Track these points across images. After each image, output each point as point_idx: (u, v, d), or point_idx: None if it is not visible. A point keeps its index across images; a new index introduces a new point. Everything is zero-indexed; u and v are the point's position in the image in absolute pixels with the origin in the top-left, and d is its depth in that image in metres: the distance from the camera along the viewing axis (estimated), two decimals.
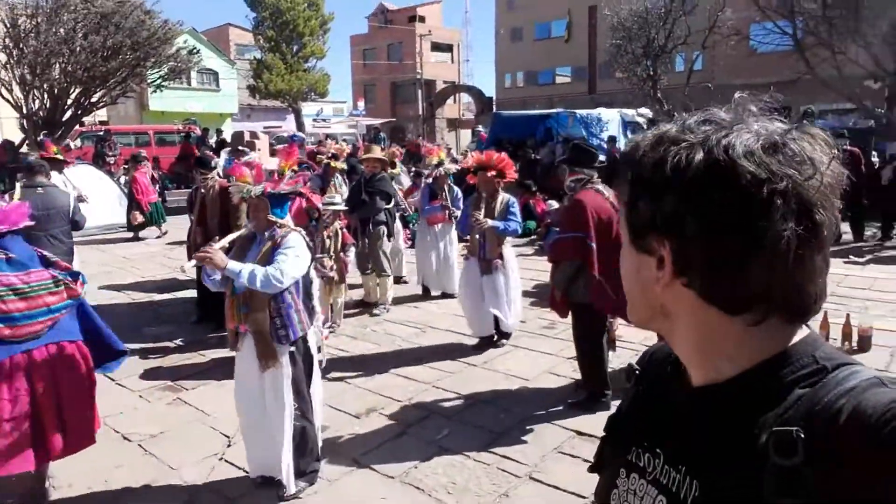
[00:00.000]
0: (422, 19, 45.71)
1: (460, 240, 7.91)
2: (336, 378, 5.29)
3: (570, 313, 4.61)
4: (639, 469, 0.86)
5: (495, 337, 5.89)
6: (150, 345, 6.28)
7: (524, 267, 9.32)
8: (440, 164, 7.55)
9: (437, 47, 46.82)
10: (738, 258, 0.70)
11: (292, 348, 3.47)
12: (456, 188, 7.66)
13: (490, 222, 5.51)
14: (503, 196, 5.73)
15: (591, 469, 1.00)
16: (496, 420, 4.42)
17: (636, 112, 19.24)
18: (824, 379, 0.71)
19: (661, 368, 0.91)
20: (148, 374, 5.51)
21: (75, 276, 3.45)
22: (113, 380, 5.37)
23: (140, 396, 5.06)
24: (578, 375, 4.85)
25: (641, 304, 0.82)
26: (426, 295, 7.76)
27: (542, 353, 5.70)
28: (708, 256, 0.71)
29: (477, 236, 5.68)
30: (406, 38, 44.64)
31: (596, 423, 4.29)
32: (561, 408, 4.59)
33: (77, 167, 13.16)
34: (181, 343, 6.31)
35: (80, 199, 7.93)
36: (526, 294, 7.77)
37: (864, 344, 5.44)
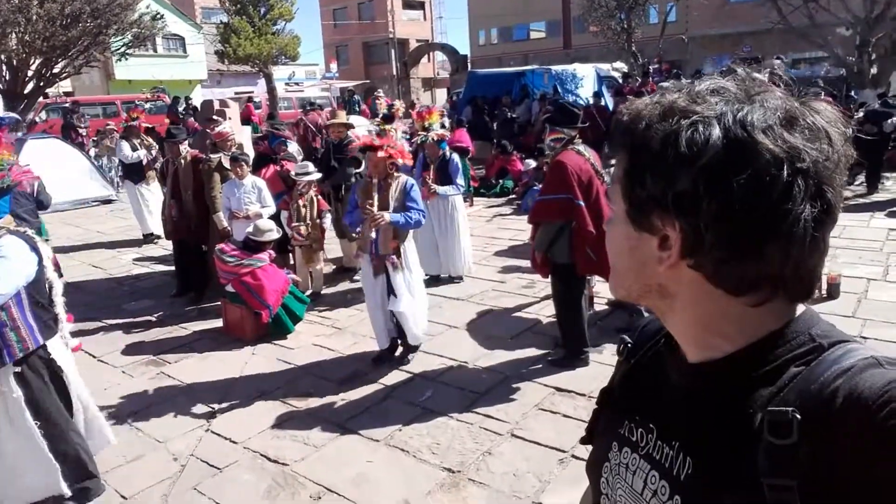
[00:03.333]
0: None
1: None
2: (318, 345, 5.34)
3: (550, 273, 4.66)
4: (631, 443, 0.85)
5: (398, 350, 4.96)
6: (131, 319, 6.25)
7: (503, 227, 9.40)
8: (427, 128, 6.74)
9: (408, 5, 45.84)
10: (754, 241, 0.67)
11: (18, 368, 2.97)
12: (456, 157, 6.74)
13: (388, 216, 4.43)
14: (400, 179, 4.66)
15: (584, 441, 0.99)
16: (478, 380, 4.51)
17: (611, 66, 19.14)
18: (820, 357, 0.70)
19: (654, 342, 0.90)
20: (130, 350, 5.51)
21: None
22: (95, 356, 5.37)
23: (123, 372, 5.06)
24: (557, 333, 4.93)
25: (634, 281, 0.79)
26: (435, 282, 6.64)
27: (522, 312, 5.78)
28: (723, 240, 0.68)
29: (373, 232, 4.56)
30: None
31: (575, 379, 4.40)
32: (541, 366, 4.68)
33: (43, 140, 12.85)
34: (161, 317, 6.29)
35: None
36: (503, 254, 7.86)
37: (833, 291, 5.58)
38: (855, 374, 0.66)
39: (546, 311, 5.65)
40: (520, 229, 8.96)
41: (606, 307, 5.66)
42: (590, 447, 0.98)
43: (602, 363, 4.62)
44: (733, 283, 0.71)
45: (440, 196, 6.54)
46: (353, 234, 5.51)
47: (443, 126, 7.72)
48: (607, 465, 0.89)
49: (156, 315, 6.37)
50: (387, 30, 42.08)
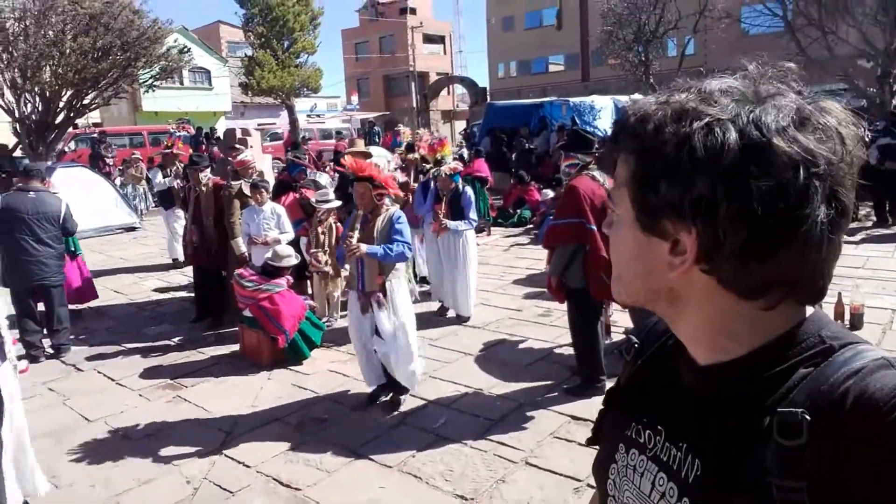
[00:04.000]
0: (413, 11, 45.50)
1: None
2: (333, 371, 5.34)
3: (566, 299, 4.65)
4: (639, 445, 0.84)
5: (384, 395, 4.68)
6: (150, 344, 6.32)
7: (520, 256, 9.39)
8: (439, 162, 6.66)
9: (429, 39, 46.66)
10: (772, 245, 0.67)
11: None
12: (469, 191, 6.56)
13: (365, 248, 4.27)
14: (388, 212, 4.48)
15: (589, 441, 0.98)
16: (492, 407, 4.47)
17: (629, 98, 19.22)
18: (830, 358, 0.69)
19: (662, 342, 0.89)
20: (148, 374, 5.55)
21: None
22: (113, 379, 5.43)
23: (140, 395, 5.10)
24: (573, 362, 4.89)
25: (641, 287, 0.78)
26: (441, 314, 6.66)
27: (537, 341, 5.74)
28: (741, 243, 0.66)
29: (356, 264, 4.47)
30: (397, 30, 44.47)
31: (591, 408, 4.34)
32: (556, 394, 4.63)
33: (72, 169, 13.20)
34: (179, 342, 6.34)
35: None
36: (520, 282, 7.84)
37: (856, 322, 5.48)
38: (866, 376, 0.66)
39: (562, 340, 5.61)
40: (537, 258, 8.94)
41: (624, 336, 5.60)
42: (596, 448, 0.97)
43: None
44: (748, 287, 0.70)
45: (451, 231, 6.37)
46: (342, 270, 5.36)
47: (460, 157, 7.79)
48: (614, 467, 0.88)
49: (174, 340, 6.43)
50: (407, 63, 42.84)
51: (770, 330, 0.73)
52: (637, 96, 20.39)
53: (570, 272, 4.46)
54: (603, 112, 17.17)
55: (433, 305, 6.89)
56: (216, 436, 4.33)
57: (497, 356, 5.45)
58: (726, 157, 0.65)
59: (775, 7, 17.24)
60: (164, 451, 4.13)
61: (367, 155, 7.57)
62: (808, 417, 0.65)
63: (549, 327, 6.08)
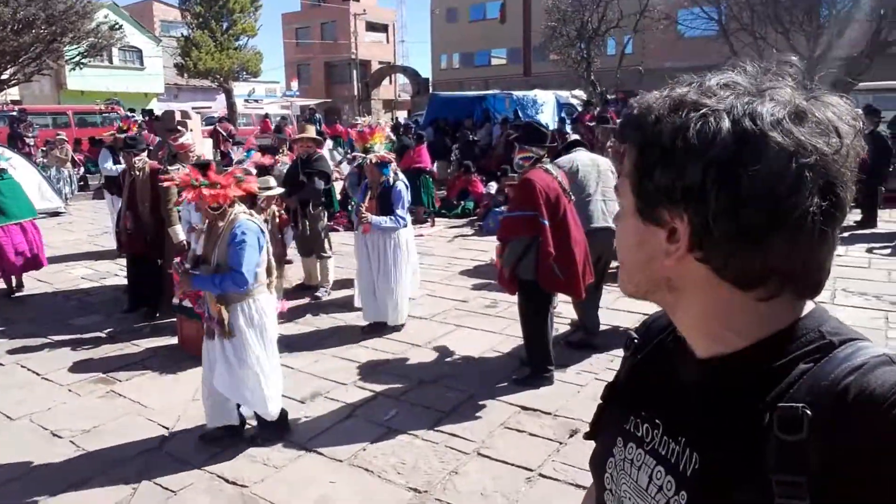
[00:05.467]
0: None
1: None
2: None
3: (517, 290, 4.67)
4: (636, 439, 0.84)
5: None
6: (79, 336, 5.99)
7: (464, 247, 9.40)
8: (368, 150, 5.88)
9: (372, 27, 46.11)
10: (762, 233, 0.67)
11: None
12: (400, 186, 5.75)
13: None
14: (232, 215, 3.70)
15: (588, 436, 0.98)
16: (443, 399, 4.45)
17: (570, 94, 19.57)
18: (830, 354, 0.70)
19: (661, 338, 0.90)
20: (77, 367, 5.26)
21: None
22: (38, 374, 5.12)
23: (69, 391, 4.82)
24: (522, 353, 4.93)
25: (642, 276, 0.79)
26: (377, 329, 5.80)
27: (485, 332, 5.76)
28: (730, 231, 0.68)
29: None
30: (340, 17, 43.74)
31: (540, 398, 4.39)
32: (506, 384, 4.65)
33: None
34: (112, 333, 6.04)
35: None
36: (466, 273, 7.86)
37: None
38: (867, 372, 0.66)
39: (509, 330, 5.65)
40: (481, 250, 9.00)
41: (569, 327, 5.69)
42: (588, 448, 0.97)
43: (566, 381, 4.63)
44: (741, 276, 0.71)
45: (375, 228, 5.63)
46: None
47: (402, 147, 7.38)
48: (612, 461, 0.88)
49: (106, 331, 6.11)
50: (349, 50, 42.21)
51: (770, 323, 0.73)
52: (578, 92, 20.83)
53: (523, 264, 4.48)
54: (545, 106, 17.42)
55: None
56: (156, 432, 4.14)
57: (445, 348, 5.44)
58: (718, 145, 0.67)
59: (711, 11, 17.87)
60: (99, 450, 3.92)
61: (318, 141, 7.40)
62: (808, 413, 0.65)
63: (496, 318, 6.11)
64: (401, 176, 5.94)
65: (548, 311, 4.67)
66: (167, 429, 4.16)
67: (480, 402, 4.37)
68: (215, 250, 3.71)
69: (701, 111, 0.68)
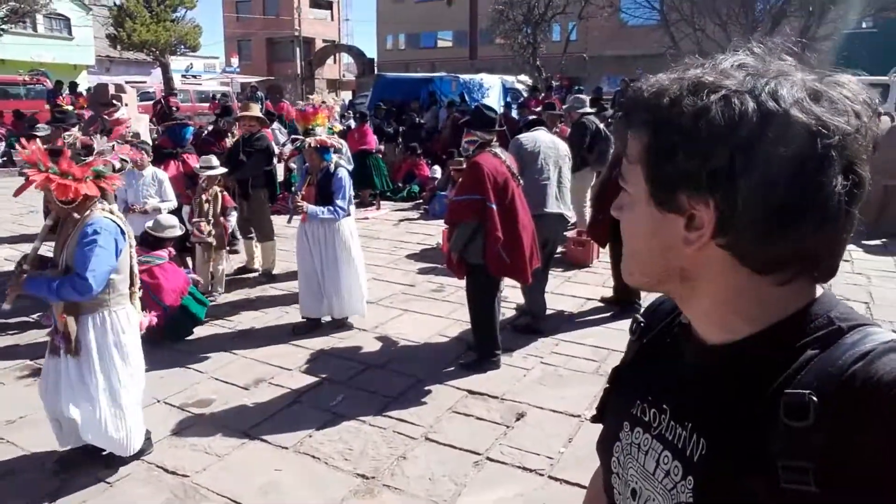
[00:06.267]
0: None
1: None
2: (220, 349, 5.06)
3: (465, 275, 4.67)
4: (643, 424, 0.84)
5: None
6: (3, 321, 5.66)
7: (410, 231, 9.35)
8: (309, 132, 5.44)
9: (315, 4, 44.99)
10: (791, 215, 0.66)
11: None
12: (342, 173, 5.28)
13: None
14: (87, 211, 3.13)
15: (594, 419, 0.97)
16: (390, 384, 4.43)
17: (516, 79, 19.66)
18: (839, 340, 0.70)
19: (667, 321, 0.90)
20: (2, 354, 4.98)
21: None
22: None
23: None
24: (468, 337, 4.95)
25: (655, 265, 0.77)
26: (313, 328, 5.40)
27: (432, 316, 5.76)
28: (760, 214, 0.67)
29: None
30: None
31: (487, 381, 4.42)
32: (453, 369, 4.67)
33: None
34: (40, 318, 5.73)
35: None
36: (413, 257, 7.83)
37: None
38: (874, 359, 0.66)
39: (456, 315, 5.66)
40: (427, 234, 8.98)
41: (515, 311, 5.75)
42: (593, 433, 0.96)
43: (513, 366, 4.68)
44: (764, 260, 0.70)
45: (311, 218, 5.16)
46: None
47: (347, 129, 6.95)
48: (618, 445, 0.88)
49: (33, 316, 5.79)
50: (292, 27, 41.10)
51: (780, 309, 0.73)
52: (524, 77, 20.95)
53: (471, 248, 4.48)
54: (491, 91, 17.44)
55: None
56: None
57: (391, 332, 5.40)
58: (745, 126, 0.66)
59: (654, 1, 18.22)
60: (26, 441, 3.72)
61: (262, 120, 7.16)
62: (815, 399, 0.65)
63: (443, 302, 6.11)
64: (344, 163, 5.58)
65: (495, 296, 4.69)
66: None
67: (428, 387, 4.37)
68: (64, 251, 3.12)
69: (722, 93, 0.67)
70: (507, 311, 5.60)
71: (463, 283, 4.79)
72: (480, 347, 4.72)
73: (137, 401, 3.39)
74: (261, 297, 6.32)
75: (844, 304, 0.75)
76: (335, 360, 4.83)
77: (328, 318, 5.49)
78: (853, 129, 0.67)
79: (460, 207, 4.51)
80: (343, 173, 5.30)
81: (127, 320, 3.25)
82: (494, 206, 4.36)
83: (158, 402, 4.19)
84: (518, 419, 3.93)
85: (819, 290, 0.75)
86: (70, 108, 9.62)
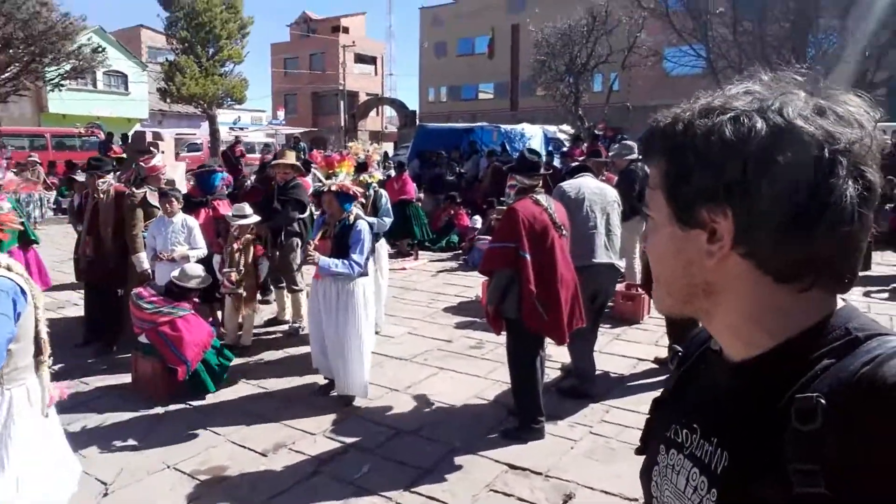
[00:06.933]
0: (345, 30, 45.12)
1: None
2: (241, 409, 4.72)
3: (504, 330, 4.27)
4: (677, 445, 0.86)
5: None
6: None
7: (449, 282, 8.99)
8: (331, 177, 4.87)
9: (360, 59, 46.32)
10: (805, 219, 0.69)
11: None
12: (361, 226, 4.71)
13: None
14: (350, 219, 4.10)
15: (638, 452, 0.99)
16: (421, 453, 4.00)
17: (558, 128, 19.49)
18: (855, 349, 0.70)
19: (703, 349, 0.92)
20: None
21: None
22: None
23: None
24: (509, 400, 4.50)
25: (680, 284, 0.80)
26: (324, 392, 4.97)
27: (470, 376, 5.32)
28: (775, 219, 0.70)
29: None
30: (329, 48, 43.89)
31: (529, 454, 3.95)
32: (491, 437, 4.22)
33: None
34: (61, 369, 5.52)
35: None
36: (451, 310, 7.44)
37: None
38: (883, 362, 0.67)
39: (495, 375, 5.23)
40: (466, 285, 8.61)
41: (560, 372, 5.28)
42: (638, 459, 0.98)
43: (558, 436, 4.20)
44: (782, 266, 0.72)
45: (323, 272, 4.57)
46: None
47: (387, 178, 6.65)
48: (657, 469, 0.90)
49: (56, 366, 5.55)
50: (337, 81, 42.25)
51: (800, 321, 0.74)
52: (565, 127, 20.76)
53: (507, 301, 4.09)
54: (532, 140, 17.25)
55: None
56: (93, 487, 3.64)
57: (426, 392, 4.98)
58: (754, 139, 0.69)
59: (699, 49, 17.94)
60: None
61: (298, 168, 6.98)
62: (822, 402, 0.66)
63: (482, 360, 5.68)
64: (364, 215, 4.99)
65: (537, 354, 4.26)
66: (105, 484, 3.66)
67: (463, 458, 3.92)
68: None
69: (730, 114, 0.72)
70: (551, 371, 5.13)
71: (504, 339, 4.38)
72: (522, 413, 4.26)
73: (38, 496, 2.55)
74: (288, 354, 5.99)
75: (864, 316, 0.75)
76: (363, 424, 4.43)
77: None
78: (858, 136, 0.70)
79: (493, 255, 4.17)
80: (363, 226, 4.74)
81: (26, 400, 2.46)
82: (528, 256, 3.99)
83: (168, 468, 3.84)
84: (566, 502, 3.44)
85: (840, 303, 0.76)
86: (122, 156, 9.78)
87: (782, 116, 0.70)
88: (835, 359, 0.70)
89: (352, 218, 4.76)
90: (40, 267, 7.25)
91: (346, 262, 4.57)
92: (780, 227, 0.69)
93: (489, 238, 8.78)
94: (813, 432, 0.66)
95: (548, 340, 4.42)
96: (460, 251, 11.05)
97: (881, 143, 0.72)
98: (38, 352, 2.55)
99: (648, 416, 0.99)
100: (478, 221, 11.49)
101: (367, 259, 4.78)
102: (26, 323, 2.42)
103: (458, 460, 3.91)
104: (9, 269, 2.41)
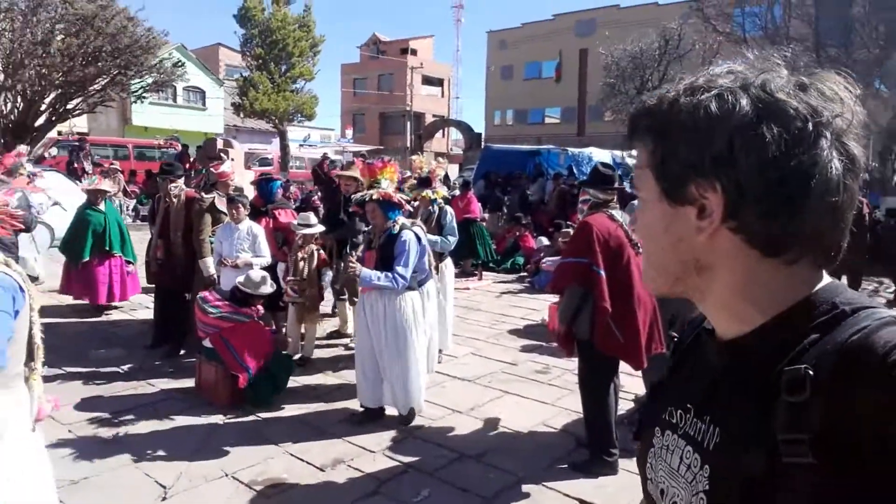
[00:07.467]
0: (414, 52, 45.87)
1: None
2: (301, 420, 4.62)
3: (575, 353, 4.03)
4: (672, 426, 0.87)
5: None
6: (95, 369, 5.56)
7: (514, 304, 8.75)
8: (373, 186, 4.59)
9: (427, 81, 46.93)
10: (794, 190, 0.70)
11: None
12: (407, 236, 4.45)
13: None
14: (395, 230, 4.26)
15: (635, 437, 0.99)
16: (484, 480, 3.78)
17: (626, 154, 19.04)
18: (842, 322, 0.71)
19: (698, 332, 0.92)
20: (84, 405, 4.79)
21: None
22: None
23: (70, 431, 4.33)
24: (579, 429, 4.24)
25: (671, 262, 0.80)
26: (375, 418, 4.61)
27: (536, 402, 5.06)
28: (764, 192, 0.70)
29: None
30: (397, 69, 44.69)
31: (601, 491, 3.67)
32: (559, 468, 3.96)
33: (47, 175, 12.44)
34: (130, 370, 5.59)
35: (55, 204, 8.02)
36: (516, 332, 7.21)
37: None
38: (871, 333, 0.67)
39: (564, 402, 4.96)
40: (532, 308, 8.36)
41: (633, 404, 4.96)
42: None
43: (633, 472, 3.89)
44: (771, 237, 0.72)
45: (365, 284, 4.36)
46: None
47: (444, 199, 6.25)
48: (652, 451, 0.90)
49: (124, 367, 5.67)
50: (405, 102, 42.88)
51: (788, 296, 0.75)
52: (635, 152, 20.17)
53: (579, 321, 3.85)
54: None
55: None
56: (152, 490, 3.59)
57: (490, 416, 4.76)
58: (739, 113, 0.71)
59: None
60: None
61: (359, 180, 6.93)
62: (811, 373, 0.67)
63: (549, 386, 5.41)
64: (410, 226, 4.63)
65: (610, 381, 3.98)
66: (165, 488, 3.60)
67: (529, 489, 3.68)
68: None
69: (714, 91, 0.73)
70: (624, 403, 4.82)
71: (572, 365, 4.13)
72: (593, 445, 3.98)
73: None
74: (349, 367, 5.88)
75: (851, 291, 0.76)
76: (424, 445, 4.25)
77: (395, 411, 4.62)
78: (840, 111, 0.72)
79: (565, 270, 3.94)
80: (409, 236, 4.45)
81: (9, 409, 2.11)
82: (602, 273, 3.76)
83: (227, 476, 3.75)
84: None
85: (826, 280, 0.77)
86: (196, 168, 10.07)
87: (766, 92, 0.71)
88: (823, 332, 0.71)
89: (397, 227, 4.48)
90: (122, 278, 7.46)
91: (389, 274, 4.32)
92: (767, 197, 0.70)
93: (556, 259, 8.56)
94: (801, 403, 0.66)
95: (623, 368, 4.15)
96: (525, 273, 10.81)
97: (862, 120, 0.73)
98: (31, 358, 2.27)
99: (646, 401, 1.01)
100: (543, 241, 11.23)
101: (414, 271, 4.52)
102: (20, 325, 2.18)
103: (523, 491, 3.67)
104: (6, 263, 2.22)
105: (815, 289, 0.75)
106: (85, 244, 7.24)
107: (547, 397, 5.13)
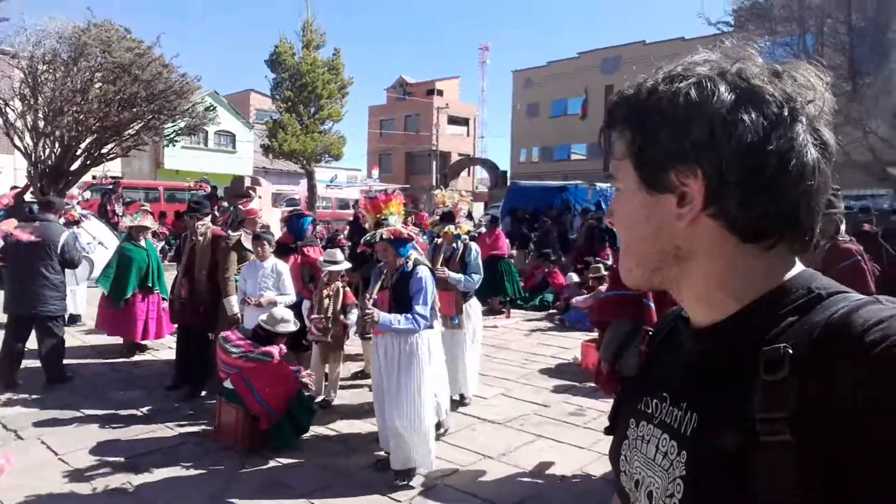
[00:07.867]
0: (440, 93, 46.48)
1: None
2: (323, 466, 4.37)
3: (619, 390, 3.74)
4: (646, 416, 0.85)
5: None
6: (113, 411, 5.40)
7: (543, 342, 8.45)
8: (380, 224, 4.29)
9: (453, 120, 47.40)
10: (773, 175, 0.71)
11: None
12: (422, 272, 4.20)
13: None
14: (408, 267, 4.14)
15: (607, 431, 0.97)
16: None
17: None
18: (819, 304, 0.71)
19: (672, 324, 0.91)
20: (100, 449, 4.61)
21: None
22: (56, 453, 4.50)
23: (82, 477, 4.14)
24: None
25: (650, 251, 0.80)
26: (382, 469, 4.28)
27: (571, 446, 4.75)
28: (743, 173, 0.71)
29: None
30: (423, 110, 45.27)
31: None
32: None
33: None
34: (149, 412, 5.42)
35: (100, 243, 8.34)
36: (547, 372, 6.90)
37: None
38: (851, 312, 0.67)
39: (600, 447, 4.63)
40: (563, 346, 8.05)
41: None
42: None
43: None
44: (752, 224, 0.73)
45: (383, 328, 4.04)
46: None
47: (469, 233, 5.95)
48: (626, 443, 0.89)
49: (143, 409, 5.51)
50: (430, 142, 43.28)
51: (764, 282, 0.75)
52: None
53: (626, 357, 3.59)
54: None
55: None
56: None
57: (523, 462, 4.46)
58: (718, 99, 0.72)
59: None
60: None
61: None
62: (790, 351, 0.67)
63: (584, 430, 5.09)
64: (424, 260, 4.45)
65: None
66: None
67: None
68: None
69: (692, 79, 0.74)
70: None
71: (607, 407, 3.82)
72: None
73: None
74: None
75: (825, 278, 0.76)
76: (454, 494, 3.96)
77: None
78: (811, 96, 0.74)
79: (610, 304, 3.71)
80: (424, 272, 4.19)
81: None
82: (652, 304, 3.51)
83: None
84: None
85: (800, 267, 0.78)
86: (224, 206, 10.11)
87: (742, 78, 0.73)
88: (800, 314, 0.71)
89: (410, 263, 4.22)
90: (159, 314, 7.44)
91: (408, 316, 4.04)
92: (746, 181, 0.71)
93: (589, 296, 8.26)
94: (779, 381, 0.66)
95: None
96: (555, 311, 10.50)
97: (832, 107, 0.75)
98: None
99: (619, 396, 1.01)
100: (573, 278, 10.94)
101: (432, 308, 4.25)
102: None
103: None
104: None
105: (791, 275, 0.76)
106: (129, 281, 7.24)
107: (583, 441, 4.81)
